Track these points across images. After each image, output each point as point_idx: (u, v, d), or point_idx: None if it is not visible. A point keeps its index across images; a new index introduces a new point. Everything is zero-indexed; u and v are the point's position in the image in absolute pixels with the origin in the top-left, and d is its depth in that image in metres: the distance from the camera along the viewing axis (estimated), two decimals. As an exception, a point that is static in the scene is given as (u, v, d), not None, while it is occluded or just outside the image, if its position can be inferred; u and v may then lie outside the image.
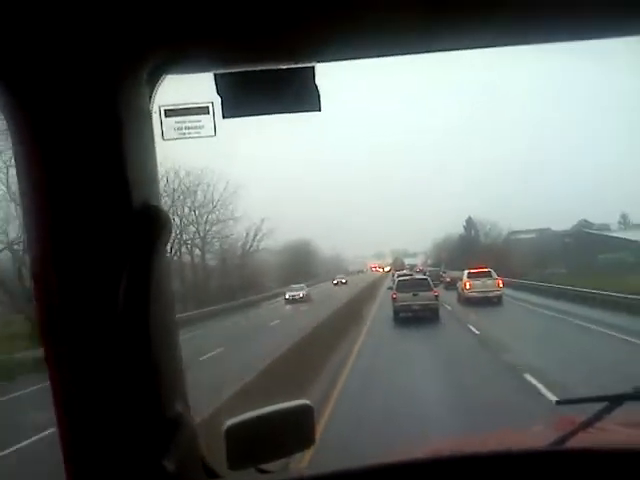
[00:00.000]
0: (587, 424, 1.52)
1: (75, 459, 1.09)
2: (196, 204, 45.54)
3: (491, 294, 28.92)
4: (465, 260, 44.25)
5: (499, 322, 21.55)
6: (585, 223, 54.65)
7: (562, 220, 55.15)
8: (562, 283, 33.67)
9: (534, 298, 30.97)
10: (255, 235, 50.39)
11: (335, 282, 57.00)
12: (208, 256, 46.93)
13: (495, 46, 1.26)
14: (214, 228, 47.26)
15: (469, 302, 28.50)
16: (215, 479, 1.35)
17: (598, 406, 1.54)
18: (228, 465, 1.35)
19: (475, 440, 2.82)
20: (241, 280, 47.66)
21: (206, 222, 46.69)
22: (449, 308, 27.72)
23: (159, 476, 1.08)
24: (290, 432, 1.40)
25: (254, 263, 53.00)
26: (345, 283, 54.89)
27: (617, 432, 1.98)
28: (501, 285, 29.98)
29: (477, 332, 19.04)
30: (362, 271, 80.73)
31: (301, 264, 66.87)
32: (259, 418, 1.39)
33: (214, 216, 46.73)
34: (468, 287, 29.49)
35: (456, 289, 31.81)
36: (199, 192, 45.17)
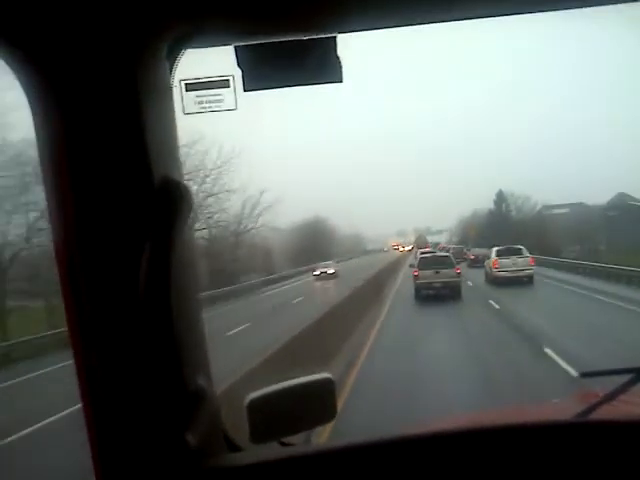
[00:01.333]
0: (611, 396, 1.56)
1: (99, 432, 1.16)
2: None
3: (521, 273, 27.67)
4: (495, 237, 43.72)
5: (532, 309, 20.03)
6: (625, 196, 52.49)
7: (596, 194, 54.51)
8: (604, 261, 31.79)
9: (572, 278, 29.45)
10: (253, 209, 47.94)
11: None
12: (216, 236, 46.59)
13: (516, 13, 1.27)
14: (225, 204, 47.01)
15: (497, 282, 27.45)
16: (237, 452, 1.41)
17: (623, 379, 1.58)
18: (250, 438, 1.42)
19: (497, 414, 2.88)
20: (240, 263, 46.00)
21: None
22: (470, 284, 28.22)
23: (182, 449, 1.15)
24: (312, 405, 1.48)
25: (259, 243, 50.91)
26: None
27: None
28: (532, 263, 28.68)
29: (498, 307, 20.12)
30: (383, 250, 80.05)
31: (316, 243, 65.68)
32: (281, 392, 1.46)
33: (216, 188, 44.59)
34: (497, 266, 28.27)
35: (483, 267, 30.94)
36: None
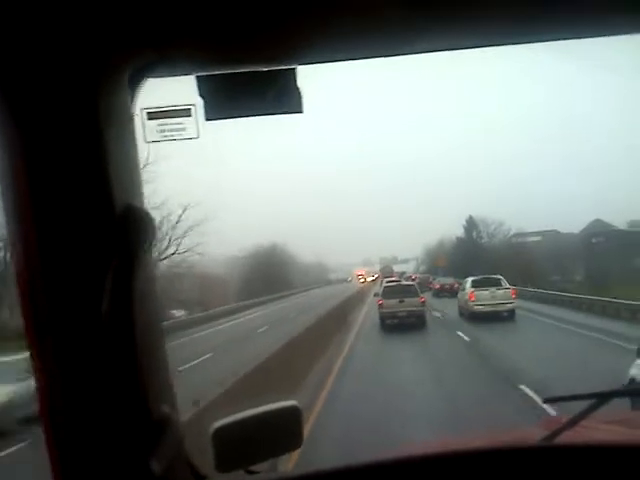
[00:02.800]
0: (575, 421, 1.67)
1: (62, 460, 1.19)
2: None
3: (502, 307, 25.74)
4: (466, 266, 43.78)
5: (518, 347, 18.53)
6: (600, 222, 51.47)
7: (568, 222, 55.44)
8: (590, 292, 30.15)
9: (557, 312, 27.38)
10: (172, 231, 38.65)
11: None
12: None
13: (480, 46, 1.37)
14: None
15: (473, 317, 25.34)
16: None
17: (585, 404, 1.69)
18: (216, 467, 1.48)
19: (464, 440, 3.00)
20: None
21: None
22: (438, 315, 28.06)
23: (146, 477, 1.19)
24: (278, 433, 1.55)
25: (185, 271, 41.20)
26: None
27: (604, 429, 2.13)
28: (514, 296, 26.57)
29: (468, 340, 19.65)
30: (346, 280, 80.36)
31: (272, 273, 62.29)
32: (246, 419, 1.53)
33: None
34: (473, 299, 26.15)
35: (448, 297, 30.10)
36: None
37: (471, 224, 62.58)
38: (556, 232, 57.24)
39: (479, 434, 2.93)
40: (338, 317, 25.88)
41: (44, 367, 1.19)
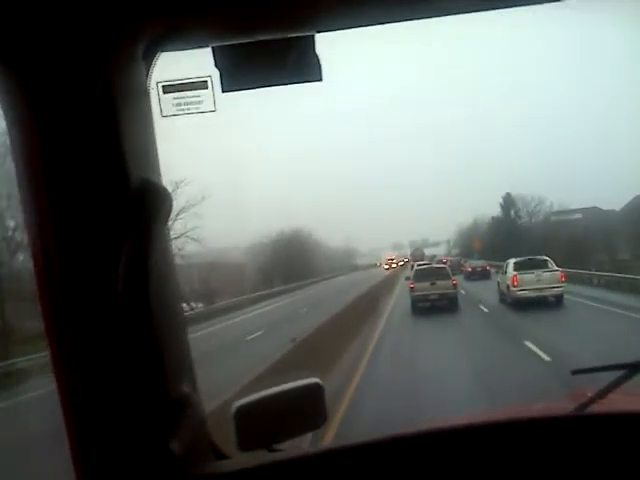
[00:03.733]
0: (604, 392, 1.68)
1: (81, 440, 1.24)
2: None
3: (549, 292, 23.29)
4: (504, 248, 42.61)
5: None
6: None
7: (609, 198, 53.95)
8: (635, 273, 27.07)
9: (612, 296, 24.13)
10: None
11: None
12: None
13: (498, 7, 1.36)
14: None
15: (517, 303, 22.90)
16: (224, 460, 1.52)
17: (614, 376, 1.69)
18: (238, 446, 1.52)
19: (494, 413, 3.00)
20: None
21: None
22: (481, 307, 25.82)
23: (166, 457, 1.23)
24: (300, 411, 1.58)
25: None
26: None
27: (636, 401, 2.16)
28: (563, 280, 23.96)
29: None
30: (375, 265, 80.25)
31: (294, 260, 60.79)
32: (268, 398, 1.57)
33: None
34: (517, 283, 23.67)
35: (480, 280, 28.14)
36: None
37: (508, 202, 59.20)
38: (597, 209, 54.83)
39: (507, 406, 2.98)
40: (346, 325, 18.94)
41: (61, 346, 1.22)
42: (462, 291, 27.97)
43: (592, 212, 55.35)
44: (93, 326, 1.21)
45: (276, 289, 51.54)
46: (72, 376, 1.23)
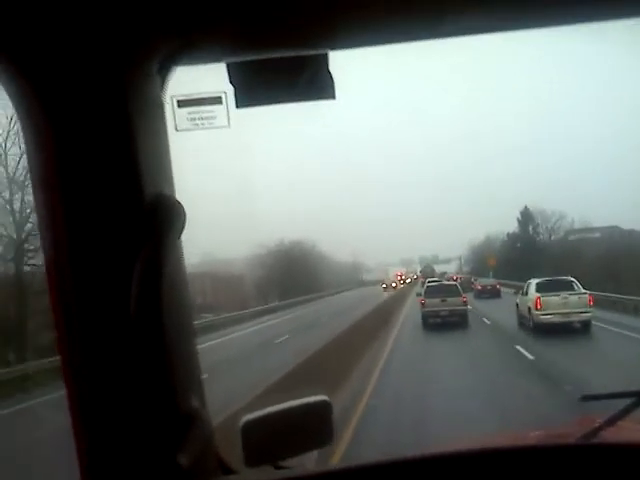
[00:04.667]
0: (613, 420, 1.73)
1: (89, 451, 1.28)
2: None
3: (576, 317, 22.00)
4: (520, 267, 43.09)
5: None
6: None
7: (627, 217, 52.13)
8: None
9: None
10: None
11: None
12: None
13: (510, 29, 1.40)
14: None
15: (541, 328, 21.57)
16: (231, 475, 1.57)
17: (623, 403, 1.75)
18: (244, 461, 1.57)
19: (501, 437, 3.10)
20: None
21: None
22: (487, 322, 26.44)
23: (173, 471, 1.27)
24: (308, 428, 1.64)
25: None
26: None
27: None
28: (591, 304, 22.43)
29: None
30: (384, 282, 79.48)
31: (295, 273, 59.13)
32: (276, 414, 1.62)
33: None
34: (540, 307, 22.25)
35: (516, 307, 25.28)
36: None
37: (527, 217, 57.45)
38: (617, 228, 53.92)
39: (515, 431, 3.05)
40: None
41: (73, 356, 1.27)
42: (485, 320, 27.82)
43: (612, 231, 54.71)
44: (105, 337, 1.26)
45: (268, 306, 48.26)
46: (82, 386, 1.27)
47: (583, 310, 22.13)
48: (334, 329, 20.59)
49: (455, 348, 20.86)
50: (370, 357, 19.22)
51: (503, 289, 42.88)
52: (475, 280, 49.73)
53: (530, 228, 58.45)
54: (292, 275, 59.84)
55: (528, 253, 51.74)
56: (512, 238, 59.81)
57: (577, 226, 55.59)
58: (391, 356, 19.60)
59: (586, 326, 21.87)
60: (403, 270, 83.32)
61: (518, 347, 19.48)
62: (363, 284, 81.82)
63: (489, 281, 45.19)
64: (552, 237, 57.60)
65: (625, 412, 1.76)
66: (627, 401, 1.76)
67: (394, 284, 68.56)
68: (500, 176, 76.56)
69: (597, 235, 55.33)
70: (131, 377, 1.27)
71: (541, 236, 58.03)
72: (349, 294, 62.60)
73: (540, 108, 79.69)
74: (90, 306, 1.26)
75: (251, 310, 45.47)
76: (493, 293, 41.61)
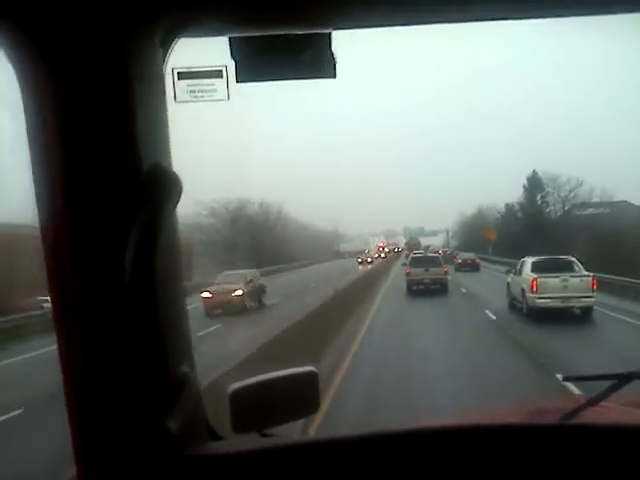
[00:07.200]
0: (594, 401, 1.88)
1: (80, 416, 1.42)
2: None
3: (576, 302, 21.41)
4: (522, 243, 43.94)
5: None
6: None
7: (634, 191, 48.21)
8: None
9: None
10: None
11: None
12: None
13: (518, 17, 1.53)
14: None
15: (536, 314, 21.16)
16: (218, 440, 1.74)
17: (604, 385, 1.90)
18: (232, 428, 1.75)
19: (481, 413, 3.33)
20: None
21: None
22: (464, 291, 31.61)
23: (162, 435, 1.42)
24: (295, 398, 1.83)
25: None
26: None
27: (624, 411, 2.36)
28: (595, 288, 21.60)
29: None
30: (363, 252, 74.04)
31: (244, 240, 56.07)
32: (264, 383, 1.80)
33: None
34: (536, 289, 21.69)
35: (507, 287, 25.35)
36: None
37: (534, 184, 53.20)
38: (627, 203, 52.28)
39: (495, 408, 3.32)
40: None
41: (66, 325, 1.40)
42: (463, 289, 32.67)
43: (621, 206, 52.76)
44: (99, 307, 1.39)
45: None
46: (75, 349, 1.40)
47: (585, 295, 21.36)
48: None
49: (435, 309, 26.54)
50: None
51: (484, 264, 49.09)
52: (457, 254, 55.41)
53: (538, 197, 54.49)
54: (245, 243, 56.65)
55: (532, 227, 48.81)
56: (511, 211, 55.70)
57: (596, 199, 51.42)
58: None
59: (586, 312, 21.20)
60: (385, 242, 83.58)
61: (487, 311, 24.26)
62: (340, 255, 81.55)
63: (469, 255, 52.14)
64: (565, 207, 53.11)
65: (607, 393, 1.91)
66: (609, 383, 1.91)
67: (369, 259, 67.06)
68: (501, 138, 76.56)
69: (605, 210, 52.73)
70: (123, 342, 1.40)
71: (551, 207, 53.84)
72: (318, 267, 60.10)
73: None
74: (85, 271, 1.38)
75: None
76: (472, 267, 48.49)
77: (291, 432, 1.96)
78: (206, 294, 29.52)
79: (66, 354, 1.42)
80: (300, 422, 2.00)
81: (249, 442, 1.71)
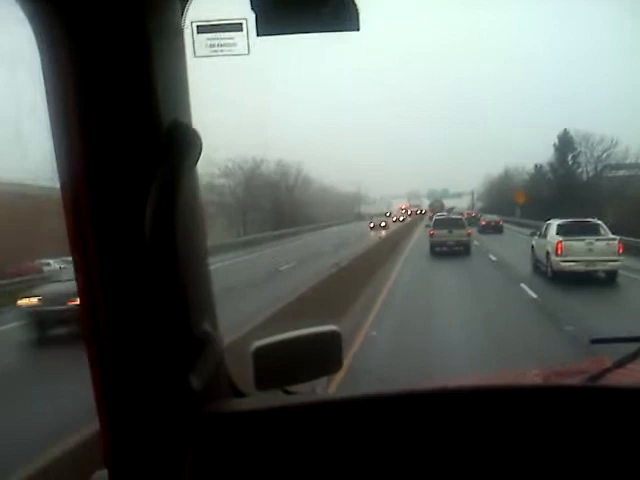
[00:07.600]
0: (621, 363, 1.89)
1: (103, 372, 1.45)
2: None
3: (602, 266, 21.25)
4: (554, 206, 42.23)
5: None
6: None
7: None
8: None
9: None
10: None
11: None
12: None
13: None
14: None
15: (560, 277, 20.90)
16: (241, 397, 1.78)
17: (632, 347, 1.89)
18: (255, 385, 1.78)
19: (508, 375, 3.36)
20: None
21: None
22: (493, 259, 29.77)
23: (185, 391, 1.45)
24: (317, 357, 1.86)
25: None
26: None
27: None
28: (621, 252, 21.26)
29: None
30: (385, 215, 72.53)
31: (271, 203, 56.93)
32: (287, 341, 1.84)
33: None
34: (561, 252, 21.44)
35: (531, 250, 25.17)
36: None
37: (565, 143, 51.65)
38: None
39: (523, 370, 3.34)
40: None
41: (88, 283, 1.43)
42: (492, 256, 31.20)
43: None
44: (120, 265, 1.41)
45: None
46: (97, 307, 1.43)
47: (611, 258, 21.19)
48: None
49: (458, 268, 27.98)
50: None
51: (511, 226, 49.05)
52: (480, 216, 55.46)
53: (569, 158, 52.75)
54: (261, 205, 55.05)
55: (562, 189, 47.35)
56: (541, 171, 53.84)
57: (631, 160, 48.79)
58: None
59: (611, 276, 21.09)
60: (408, 204, 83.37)
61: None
62: (360, 218, 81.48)
63: (493, 217, 52.22)
64: (598, 168, 50.97)
65: (634, 356, 1.92)
66: (636, 346, 1.91)
67: (383, 223, 62.14)
68: (532, 94, 75.56)
69: (637, 171, 50.18)
70: (145, 300, 1.42)
71: (583, 168, 51.82)
72: (335, 229, 59.62)
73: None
74: (105, 228, 1.40)
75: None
76: (496, 229, 48.28)
77: (313, 389, 1.98)
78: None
79: (87, 311, 1.45)
80: (323, 380, 2.03)
81: (272, 399, 1.75)
